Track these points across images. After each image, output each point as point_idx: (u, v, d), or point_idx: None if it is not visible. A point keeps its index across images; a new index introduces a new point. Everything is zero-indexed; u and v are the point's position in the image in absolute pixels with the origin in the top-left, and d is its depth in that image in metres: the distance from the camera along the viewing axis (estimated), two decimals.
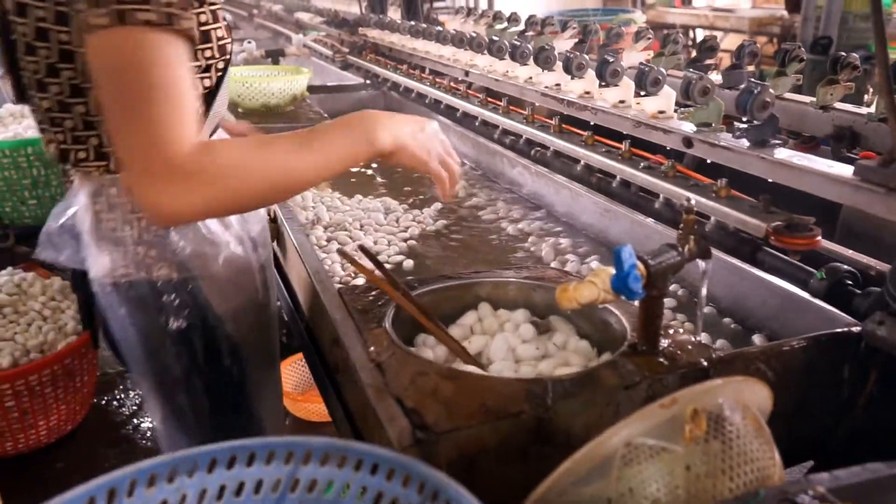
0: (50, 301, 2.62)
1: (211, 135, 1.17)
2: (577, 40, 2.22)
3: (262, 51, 3.21)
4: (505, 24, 2.59)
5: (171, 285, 1.13)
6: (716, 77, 1.85)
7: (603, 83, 1.47)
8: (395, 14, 3.54)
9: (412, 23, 2.44)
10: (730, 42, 7.70)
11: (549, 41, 2.30)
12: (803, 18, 5.08)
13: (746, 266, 1.25)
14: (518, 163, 1.99)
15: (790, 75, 1.50)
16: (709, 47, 1.70)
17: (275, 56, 3.18)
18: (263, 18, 4.59)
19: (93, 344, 1.34)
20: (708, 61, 1.70)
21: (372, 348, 1.01)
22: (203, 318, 1.17)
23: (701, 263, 1.05)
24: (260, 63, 3.22)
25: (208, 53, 1.08)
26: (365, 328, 1.08)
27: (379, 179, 2.18)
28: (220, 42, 1.10)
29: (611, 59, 1.44)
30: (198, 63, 1.06)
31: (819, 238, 1.06)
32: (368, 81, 3.00)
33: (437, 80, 2.26)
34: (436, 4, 8.61)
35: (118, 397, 3.02)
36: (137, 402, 2.97)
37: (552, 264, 1.55)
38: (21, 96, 1.15)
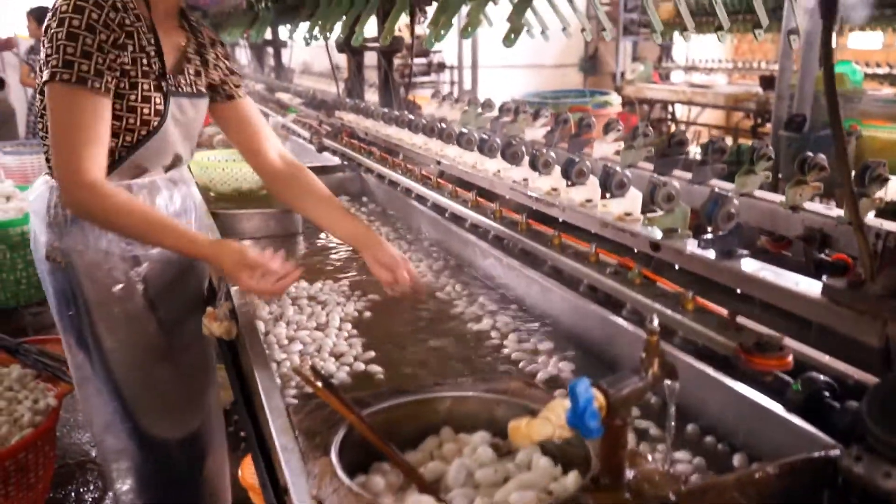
0: (6, 391, 2.51)
1: (135, 177, 1.69)
2: (548, 129, 2.22)
3: None
4: (479, 109, 2.60)
5: (61, 260, 1.66)
6: (694, 150, 1.84)
7: (569, 182, 1.44)
8: (374, 95, 3.57)
9: (385, 109, 2.44)
10: (707, 117, 7.87)
11: (522, 129, 2.31)
12: (777, 96, 5.18)
13: (720, 376, 1.19)
14: (490, 254, 1.95)
15: (759, 173, 1.48)
16: (678, 142, 1.68)
17: None
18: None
19: None
20: (678, 156, 1.68)
21: (313, 480, 0.94)
22: (75, 286, 1.67)
23: (668, 384, 1.00)
24: None
25: (131, 120, 1.60)
26: (310, 456, 1.01)
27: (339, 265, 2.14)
28: (144, 117, 1.61)
29: (576, 160, 1.42)
30: (118, 122, 1.57)
31: (790, 359, 1.00)
32: (346, 163, 2.99)
33: (410, 166, 2.24)
34: (420, 79, 8.78)
35: (78, 490, 2.87)
36: (97, 495, 2.83)
37: (520, 364, 1.49)
38: None
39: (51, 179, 1.68)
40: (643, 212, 1.28)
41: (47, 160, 1.68)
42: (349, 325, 1.76)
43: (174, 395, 1.83)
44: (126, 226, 1.56)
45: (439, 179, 2.06)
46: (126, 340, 1.73)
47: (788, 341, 1.26)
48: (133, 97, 1.59)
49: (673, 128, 7.57)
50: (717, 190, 1.10)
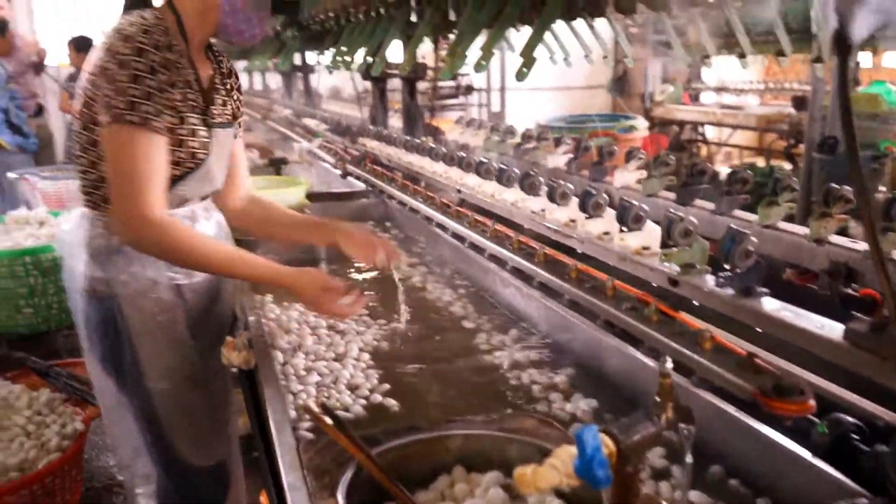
0: (35, 416, 2.55)
1: (178, 206, 1.72)
2: (570, 156, 2.20)
3: (265, 160, 3.24)
4: (501, 136, 2.59)
5: (102, 291, 1.68)
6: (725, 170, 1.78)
7: (587, 215, 1.42)
8: (399, 121, 3.59)
9: (407, 137, 2.45)
10: (739, 137, 7.76)
11: (544, 156, 2.29)
12: (810, 118, 5.08)
13: (742, 416, 1.16)
14: (510, 283, 1.94)
15: (782, 204, 1.45)
16: (700, 171, 1.66)
17: (277, 165, 3.21)
18: (275, 122, 4.70)
19: None
20: (699, 186, 1.65)
21: None
22: (117, 316, 1.69)
23: (684, 428, 0.96)
24: (263, 172, 3.25)
25: (181, 154, 1.64)
26: (318, 496, 1.00)
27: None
28: (192, 150, 1.65)
29: (593, 192, 1.40)
30: (171, 158, 1.61)
31: (811, 403, 0.97)
32: (370, 189, 3.01)
33: (430, 194, 2.25)
34: (449, 102, 8.81)
35: None
36: None
37: (538, 399, 1.47)
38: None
39: (88, 211, 1.70)
40: (662, 246, 1.25)
41: (85, 193, 1.70)
42: (367, 356, 1.75)
43: (206, 422, 1.86)
44: (200, 262, 1.62)
45: (459, 208, 2.06)
46: (167, 368, 1.75)
47: (814, 378, 1.22)
48: (182, 132, 1.63)
49: (704, 149, 7.47)
50: (733, 226, 1.07)
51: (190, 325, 1.79)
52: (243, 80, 7.86)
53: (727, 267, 1.08)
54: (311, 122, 3.83)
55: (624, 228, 1.30)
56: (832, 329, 0.94)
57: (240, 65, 6.84)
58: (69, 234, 1.77)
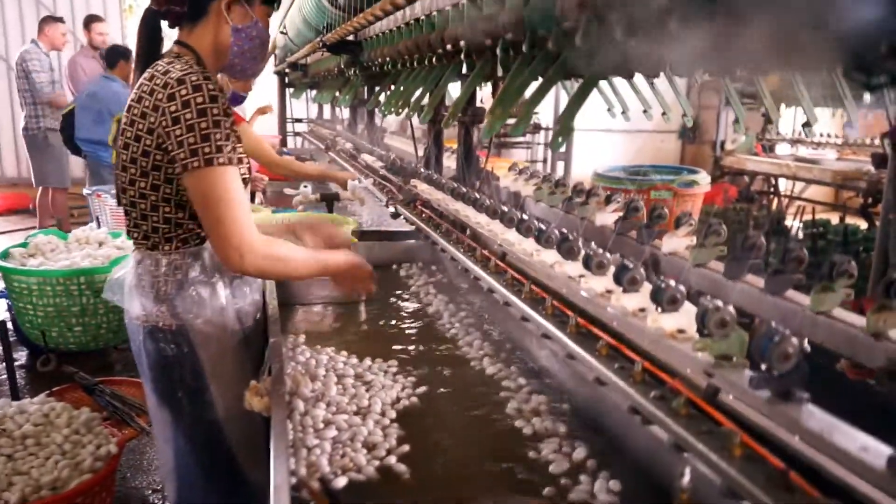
0: (73, 434, 2.60)
1: None
2: (619, 214, 2.12)
3: (317, 195, 3.26)
4: (553, 188, 2.53)
5: (170, 328, 1.75)
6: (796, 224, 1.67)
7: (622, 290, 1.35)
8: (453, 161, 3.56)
9: (454, 184, 2.42)
10: (813, 192, 7.44)
11: (594, 212, 2.22)
12: (888, 178, 4.82)
13: None
14: (545, 346, 1.86)
15: (838, 291, 1.33)
16: (751, 245, 1.55)
17: (329, 200, 3.22)
18: (336, 154, 4.76)
19: None
20: (749, 261, 1.55)
21: None
22: (187, 352, 1.76)
23: None
24: (315, 207, 3.27)
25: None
26: None
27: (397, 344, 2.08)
28: (244, 177, 1.74)
29: (630, 266, 1.33)
30: None
31: None
32: (419, 231, 2.98)
33: (473, 244, 2.20)
34: (515, 140, 8.77)
35: None
36: None
37: (557, 478, 1.38)
38: (119, 201, 1.84)
39: (140, 252, 1.76)
40: (697, 333, 1.16)
41: (130, 232, 1.79)
42: (392, 413, 1.71)
43: (265, 443, 1.93)
44: (297, 271, 1.78)
45: (499, 262, 2.00)
46: (237, 394, 1.77)
47: (870, 491, 1.10)
48: (242, 170, 1.74)
49: (775, 202, 7.19)
50: (772, 323, 0.98)
51: (249, 350, 1.88)
52: (313, 109, 7.99)
53: (762, 368, 0.99)
54: (369, 158, 3.86)
55: (658, 308, 1.22)
56: (876, 454, 0.83)
57: (310, 94, 7.01)
58: (127, 279, 1.82)
